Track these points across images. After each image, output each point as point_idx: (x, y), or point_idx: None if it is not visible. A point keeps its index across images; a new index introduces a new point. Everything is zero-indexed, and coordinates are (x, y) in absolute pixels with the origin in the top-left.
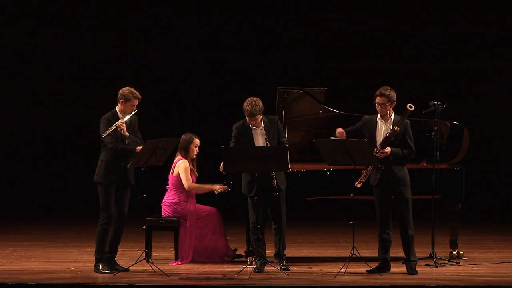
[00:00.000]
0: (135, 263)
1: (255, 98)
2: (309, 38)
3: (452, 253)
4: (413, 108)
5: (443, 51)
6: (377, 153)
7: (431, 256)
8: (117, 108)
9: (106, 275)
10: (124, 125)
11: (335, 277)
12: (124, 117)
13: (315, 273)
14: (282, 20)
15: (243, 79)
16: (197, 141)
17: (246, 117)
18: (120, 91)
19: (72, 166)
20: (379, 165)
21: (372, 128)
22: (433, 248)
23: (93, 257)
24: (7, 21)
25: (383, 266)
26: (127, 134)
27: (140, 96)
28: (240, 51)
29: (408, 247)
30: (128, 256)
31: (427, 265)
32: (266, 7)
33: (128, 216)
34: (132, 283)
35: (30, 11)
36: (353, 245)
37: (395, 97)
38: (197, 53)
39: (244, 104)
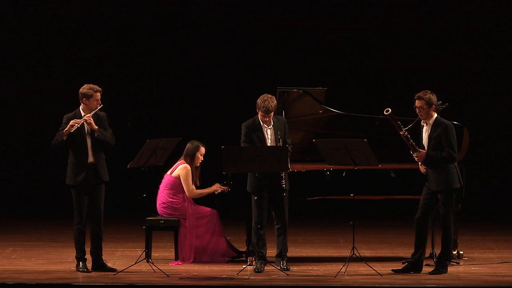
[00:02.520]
0: (135, 263)
1: (269, 95)
2: (309, 38)
3: (452, 253)
4: (390, 111)
5: (443, 51)
6: (414, 158)
7: (431, 256)
8: (81, 108)
9: (109, 274)
10: (91, 119)
11: (335, 277)
12: (90, 112)
13: (315, 273)
14: (282, 20)
15: (243, 79)
16: (203, 149)
17: (260, 113)
18: (80, 90)
19: None
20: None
21: (420, 132)
22: (433, 248)
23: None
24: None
25: (413, 266)
26: (96, 127)
27: (100, 88)
28: (240, 51)
29: (444, 249)
30: (128, 256)
31: (427, 265)
32: (266, 7)
33: (128, 216)
34: (132, 283)
35: (29, 11)
36: (353, 245)
37: (434, 100)
38: (197, 53)
39: (258, 100)
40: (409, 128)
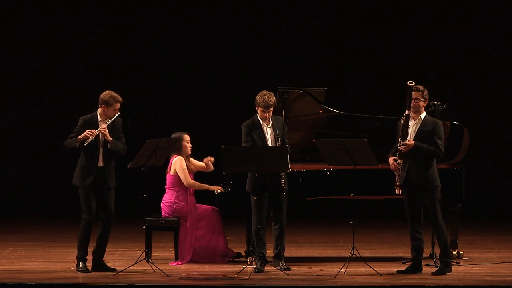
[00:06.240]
0: (135, 263)
1: (268, 91)
2: (309, 38)
3: (452, 253)
4: (413, 83)
5: (443, 51)
6: (399, 146)
7: (431, 256)
8: (98, 112)
9: (108, 274)
10: (107, 131)
11: (335, 277)
12: (106, 120)
13: (315, 273)
14: (282, 20)
15: (243, 79)
16: (186, 137)
17: (260, 110)
18: (101, 96)
19: (73, 166)
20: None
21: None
22: (433, 248)
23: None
24: (3, 20)
25: (415, 268)
26: (110, 138)
27: (121, 99)
28: (240, 51)
29: (441, 248)
30: (128, 256)
31: (427, 265)
32: (266, 7)
33: (128, 216)
34: (132, 283)
35: (28, 11)
36: (353, 245)
37: (428, 96)
38: (197, 53)
39: (257, 97)
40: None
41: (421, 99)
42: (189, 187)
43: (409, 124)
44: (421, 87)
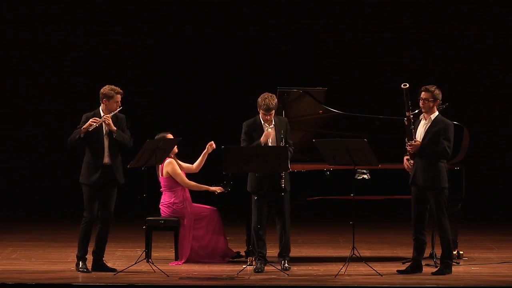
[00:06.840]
0: (135, 263)
1: (270, 93)
2: (309, 38)
3: (452, 253)
4: (407, 86)
5: (444, 51)
6: (407, 147)
7: (431, 256)
8: (101, 108)
9: (109, 275)
10: (110, 119)
11: (335, 277)
12: (110, 113)
13: (315, 273)
14: (282, 20)
15: (243, 79)
16: (169, 135)
17: (261, 112)
18: (101, 90)
19: (73, 166)
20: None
21: (415, 126)
22: (433, 248)
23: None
24: (4, 20)
25: (415, 268)
26: (114, 128)
27: (122, 91)
28: (240, 51)
29: (443, 249)
30: (128, 256)
31: (427, 265)
32: (266, 6)
33: (128, 216)
34: (132, 283)
35: (28, 10)
36: (353, 245)
37: (439, 96)
38: (197, 53)
39: (259, 99)
40: (414, 113)
41: (431, 99)
42: (186, 188)
43: (420, 124)
44: (431, 88)
